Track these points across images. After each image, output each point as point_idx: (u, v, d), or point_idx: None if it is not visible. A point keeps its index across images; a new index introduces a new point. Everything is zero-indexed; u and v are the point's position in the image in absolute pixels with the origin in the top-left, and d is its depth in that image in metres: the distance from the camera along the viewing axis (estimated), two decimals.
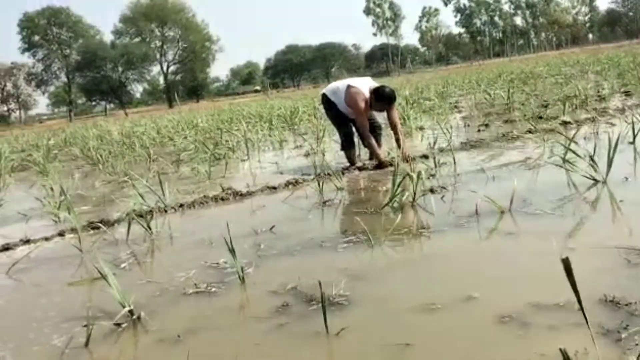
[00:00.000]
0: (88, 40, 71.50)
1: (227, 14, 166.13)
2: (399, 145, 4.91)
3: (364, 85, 4.96)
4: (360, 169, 4.76)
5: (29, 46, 72.05)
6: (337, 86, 5.17)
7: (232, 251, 2.30)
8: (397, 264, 2.32)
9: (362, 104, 4.82)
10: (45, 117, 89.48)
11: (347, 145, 5.11)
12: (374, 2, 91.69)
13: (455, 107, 9.96)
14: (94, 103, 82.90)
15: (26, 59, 74.60)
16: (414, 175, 3.21)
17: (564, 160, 3.50)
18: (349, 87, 4.93)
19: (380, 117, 5.34)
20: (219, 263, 2.54)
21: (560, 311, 1.64)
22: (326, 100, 5.22)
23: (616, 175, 3.15)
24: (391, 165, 4.53)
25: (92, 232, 3.62)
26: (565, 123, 5.59)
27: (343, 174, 4.58)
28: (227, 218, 3.55)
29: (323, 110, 5.62)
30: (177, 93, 72.67)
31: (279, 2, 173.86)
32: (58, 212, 4.07)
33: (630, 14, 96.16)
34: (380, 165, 4.70)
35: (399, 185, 3.21)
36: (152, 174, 6.01)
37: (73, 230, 3.59)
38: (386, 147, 5.22)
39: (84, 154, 9.82)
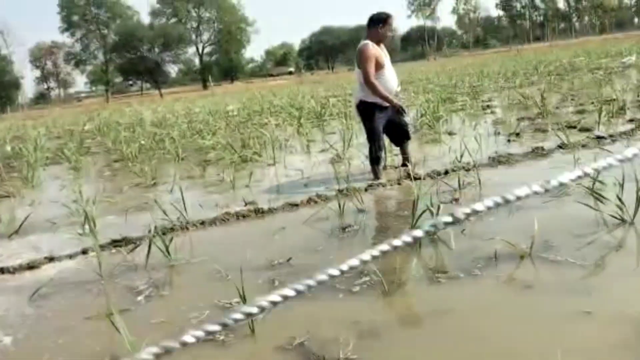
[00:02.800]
0: (126, 21, 72.51)
1: None
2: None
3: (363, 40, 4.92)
4: (384, 185, 4.70)
5: (68, 26, 73.61)
6: (357, 80, 5.00)
7: (242, 298, 2.31)
8: (410, 321, 2.29)
9: (367, 51, 4.73)
10: (83, 95, 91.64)
11: (376, 160, 4.99)
12: None
13: (488, 106, 9.73)
14: (130, 82, 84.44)
15: (65, 39, 76.06)
16: (434, 210, 3.15)
17: (592, 192, 3.39)
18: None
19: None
20: (232, 304, 2.55)
21: None
22: (359, 107, 5.03)
23: None
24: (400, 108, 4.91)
25: (114, 250, 3.69)
26: (599, 138, 5.40)
27: (366, 190, 4.54)
28: (246, 241, 3.59)
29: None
30: (212, 74, 73.25)
31: None
32: (84, 226, 4.17)
33: None
34: (398, 108, 4.87)
35: (418, 218, 3.17)
36: (178, 178, 6.08)
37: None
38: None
39: (115, 146, 10.03)
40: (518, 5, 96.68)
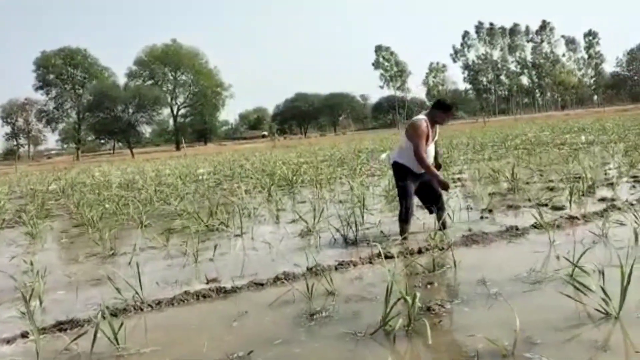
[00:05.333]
0: (102, 81, 72.72)
1: (239, 60, 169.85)
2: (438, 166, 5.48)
3: (420, 115, 5.39)
4: (355, 264, 4.47)
5: (43, 84, 73.39)
6: (400, 143, 5.44)
7: None
8: None
9: (420, 126, 5.13)
10: (54, 153, 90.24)
11: (404, 219, 5.27)
12: (383, 57, 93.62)
13: (459, 179, 9.75)
14: (102, 141, 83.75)
15: (39, 97, 75.60)
16: (409, 299, 2.93)
17: (572, 281, 3.23)
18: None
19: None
20: None
21: None
22: (395, 171, 5.42)
23: (631, 304, 2.86)
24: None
25: (58, 334, 3.34)
26: (571, 218, 5.33)
27: (337, 269, 4.32)
28: (204, 327, 3.30)
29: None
30: (185, 135, 73.35)
31: (290, 51, 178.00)
32: (28, 303, 3.80)
33: (635, 77, 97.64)
34: (443, 185, 5.22)
35: (392, 307, 2.94)
36: (139, 248, 5.76)
37: (39, 330, 3.32)
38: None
39: (78, 209, 9.62)
40: (484, 80, 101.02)
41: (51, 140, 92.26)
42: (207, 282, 4.22)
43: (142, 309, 3.69)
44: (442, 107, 5.27)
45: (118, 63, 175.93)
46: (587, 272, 3.21)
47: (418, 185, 5.40)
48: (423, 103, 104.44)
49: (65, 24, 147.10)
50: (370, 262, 4.46)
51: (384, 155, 15.57)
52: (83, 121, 73.15)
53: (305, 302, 3.57)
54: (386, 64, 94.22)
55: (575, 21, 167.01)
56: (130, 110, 69.52)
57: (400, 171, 5.36)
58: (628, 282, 2.86)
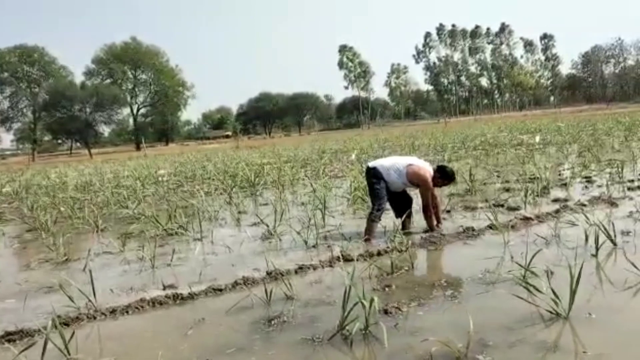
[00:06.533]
0: (58, 80, 70.45)
1: (202, 59, 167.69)
2: (438, 219, 5.49)
3: (423, 163, 5.56)
4: (316, 267, 4.47)
5: None
6: (392, 164, 5.51)
7: None
8: None
9: (430, 179, 5.33)
10: (8, 153, 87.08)
11: (375, 219, 5.33)
12: (347, 57, 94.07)
13: None
14: (59, 141, 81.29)
15: None
16: (366, 303, 2.94)
17: (524, 283, 3.30)
18: (410, 165, 5.40)
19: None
20: None
21: None
22: (374, 174, 5.46)
23: (580, 304, 2.95)
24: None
25: (6, 345, 3.22)
26: (526, 218, 5.47)
27: (297, 272, 4.31)
28: (160, 336, 3.23)
29: (365, 181, 5.87)
30: (146, 135, 71.90)
31: (254, 50, 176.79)
32: None
33: (590, 79, 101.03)
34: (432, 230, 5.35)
35: (349, 312, 2.95)
36: (94, 253, 5.62)
37: None
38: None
39: (32, 213, 9.31)
40: (445, 81, 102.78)
41: (6, 140, 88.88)
42: (164, 289, 4.14)
43: (95, 318, 3.60)
44: (447, 176, 5.49)
45: (76, 64, 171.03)
46: (537, 275, 3.30)
47: (392, 195, 5.57)
48: (386, 104, 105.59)
49: (22, 24, 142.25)
50: (330, 265, 4.47)
51: (353, 156, 15.64)
52: (39, 120, 70.66)
53: (263, 307, 3.55)
54: (350, 64, 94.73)
55: (533, 23, 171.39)
56: (88, 110, 67.61)
57: (377, 177, 5.44)
58: (577, 283, 2.95)
